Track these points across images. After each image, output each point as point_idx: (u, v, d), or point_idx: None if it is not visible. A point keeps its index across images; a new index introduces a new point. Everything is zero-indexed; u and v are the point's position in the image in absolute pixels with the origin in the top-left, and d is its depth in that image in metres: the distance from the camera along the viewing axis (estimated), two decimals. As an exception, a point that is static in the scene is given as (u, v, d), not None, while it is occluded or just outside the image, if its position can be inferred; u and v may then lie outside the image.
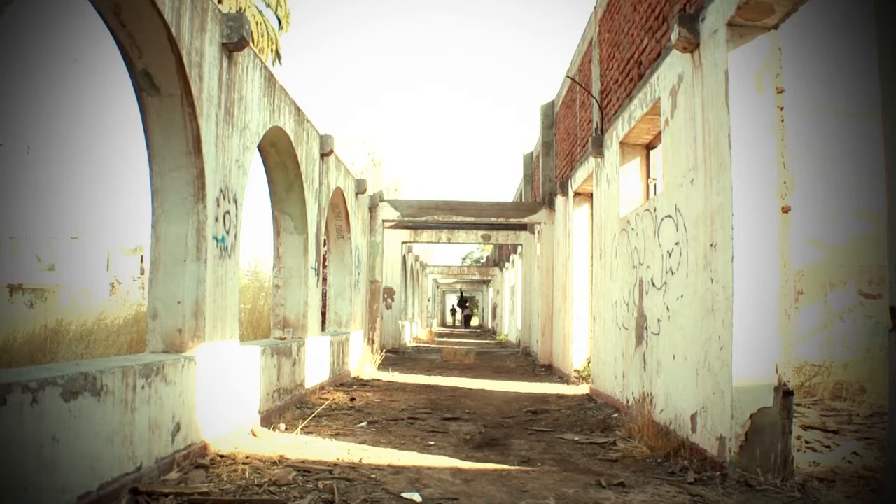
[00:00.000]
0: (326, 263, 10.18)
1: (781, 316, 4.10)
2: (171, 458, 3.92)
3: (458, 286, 38.54)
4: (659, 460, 4.60)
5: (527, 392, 8.71)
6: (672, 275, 5.33)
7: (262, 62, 5.79)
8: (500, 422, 6.26)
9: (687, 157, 4.98)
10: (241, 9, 13.64)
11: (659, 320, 5.65)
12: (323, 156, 8.19)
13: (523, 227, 14.82)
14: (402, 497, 3.56)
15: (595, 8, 8.70)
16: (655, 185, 6.99)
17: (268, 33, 15.40)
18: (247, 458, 4.35)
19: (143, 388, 3.60)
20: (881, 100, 2.61)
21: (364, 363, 10.86)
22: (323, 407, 6.59)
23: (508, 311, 26.16)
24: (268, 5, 15.53)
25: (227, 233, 4.94)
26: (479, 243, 20.57)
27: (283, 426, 5.50)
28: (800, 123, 7.43)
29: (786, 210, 4.15)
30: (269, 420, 5.68)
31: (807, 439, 4.76)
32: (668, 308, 5.42)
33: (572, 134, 10.61)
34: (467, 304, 40.75)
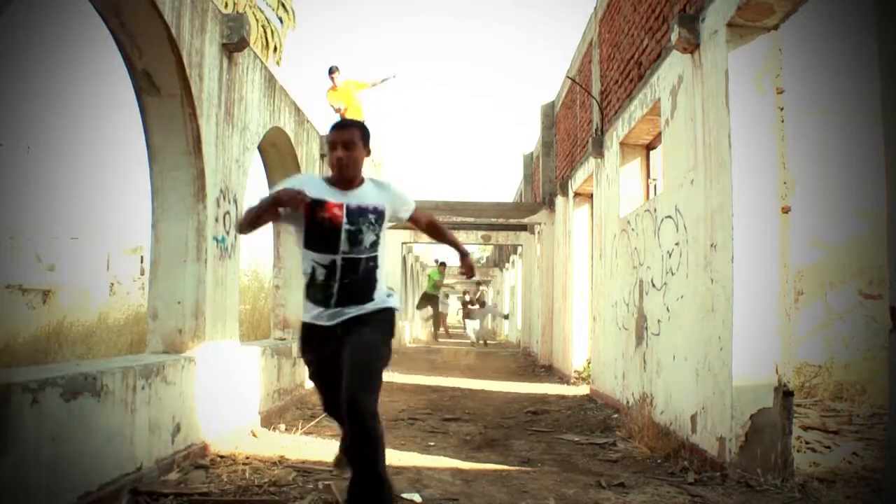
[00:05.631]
0: (326, 264, 10.15)
1: (781, 316, 4.10)
2: (171, 459, 3.92)
3: (459, 287, 38.29)
4: (659, 461, 4.60)
5: (527, 392, 8.71)
6: (672, 275, 5.33)
7: (262, 63, 5.79)
8: (500, 422, 6.26)
9: (687, 157, 4.98)
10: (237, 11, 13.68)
11: (659, 321, 5.65)
12: (323, 156, 8.19)
13: (523, 227, 14.81)
14: (402, 497, 3.55)
15: (595, 8, 8.70)
16: (655, 186, 6.98)
17: (267, 33, 15.41)
18: (247, 458, 4.35)
19: (143, 388, 3.60)
20: (881, 100, 2.61)
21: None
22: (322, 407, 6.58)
23: (508, 311, 26.12)
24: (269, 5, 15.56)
25: (228, 233, 4.94)
26: (479, 244, 20.52)
27: (283, 426, 5.50)
28: (800, 123, 7.41)
29: (786, 210, 4.15)
30: (269, 420, 5.67)
31: (807, 440, 4.76)
32: (668, 308, 5.42)
33: (572, 134, 10.61)
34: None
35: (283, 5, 16.30)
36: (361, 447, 2.75)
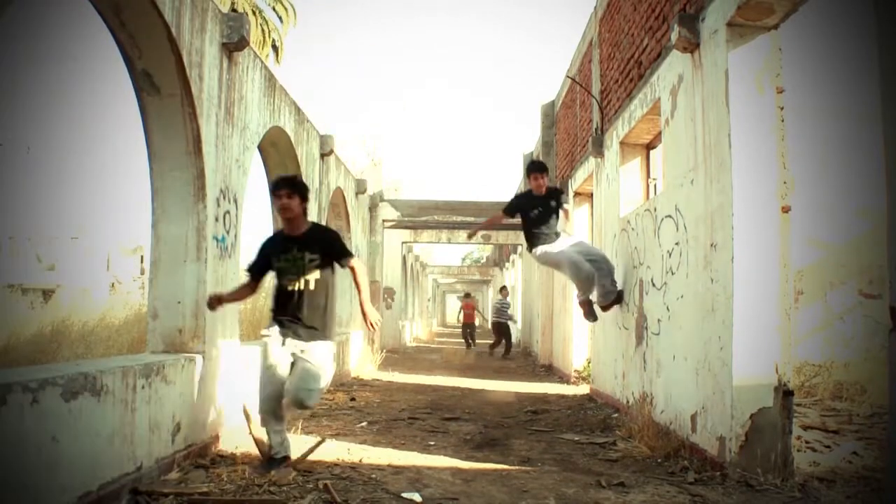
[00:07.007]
0: (326, 263, 10.16)
1: (781, 316, 4.10)
2: (171, 458, 3.93)
3: (459, 286, 38.18)
4: (659, 460, 4.60)
5: (527, 392, 8.71)
6: (672, 275, 5.33)
7: (262, 62, 5.79)
8: (500, 422, 6.26)
9: (687, 157, 4.98)
10: (237, 8, 13.68)
11: (659, 320, 5.65)
12: (323, 156, 8.19)
13: (523, 227, 14.78)
14: (402, 497, 3.56)
15: (595, 8, 8.70)
16: (655, 185, 6.98)
17: (270, 27, 15.41)
18: (247, 458, 4.35)
19: (143, 388, 3.60)
20: (881, 100, 2.61)
21: (364, 363, 10.86)
22: (323, 407, 6.59)
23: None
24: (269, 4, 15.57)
25: (228, 233, 4.94)
26: (480, 243, 20.51)
27: (283, 426, 5.49)
28: (800, 123, 7.41)
29: (786, 210, 4.15)
30: (269, 420, 5.67)
31: (807, 439, 4.76)
32: (668, 308, 5.42)
33: (572, 134, 10.61)
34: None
35: (282, 2, 16.29)
36: None
